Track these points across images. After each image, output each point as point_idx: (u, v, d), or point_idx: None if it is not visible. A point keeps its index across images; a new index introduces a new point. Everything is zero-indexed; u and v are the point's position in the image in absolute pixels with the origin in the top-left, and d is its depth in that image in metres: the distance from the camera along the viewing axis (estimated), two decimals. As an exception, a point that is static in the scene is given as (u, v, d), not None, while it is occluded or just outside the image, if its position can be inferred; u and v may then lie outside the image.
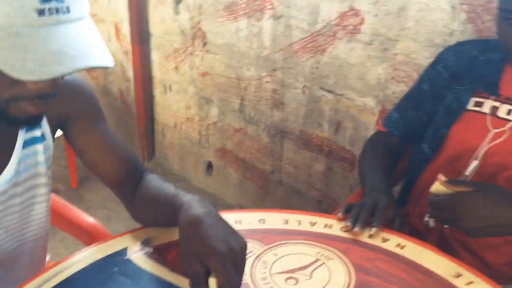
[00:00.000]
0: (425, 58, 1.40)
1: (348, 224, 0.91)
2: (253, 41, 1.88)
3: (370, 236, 0.89)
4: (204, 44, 2.08)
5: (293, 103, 1.84)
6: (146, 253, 0.84)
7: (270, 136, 1.99)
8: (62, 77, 0.70)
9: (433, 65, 1.17)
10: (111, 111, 2.84)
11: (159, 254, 0.84)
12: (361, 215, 0.92)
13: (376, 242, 0.88)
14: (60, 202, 1.18)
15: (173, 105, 2.40)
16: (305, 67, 1.74)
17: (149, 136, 2.62)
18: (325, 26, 1.61)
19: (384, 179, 1.09)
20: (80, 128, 0.89)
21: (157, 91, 2.47)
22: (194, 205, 0.74)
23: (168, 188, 0.86)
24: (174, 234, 0.89)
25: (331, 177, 1.81)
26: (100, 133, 0.90)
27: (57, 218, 1.14)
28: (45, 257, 1.01)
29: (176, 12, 2.16)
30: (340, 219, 0.94)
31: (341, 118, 1.69)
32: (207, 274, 0.68)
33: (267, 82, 1.90)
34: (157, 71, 2.42)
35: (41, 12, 0.59)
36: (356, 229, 0.89)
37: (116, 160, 0.90)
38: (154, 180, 0.91)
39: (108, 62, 0.65)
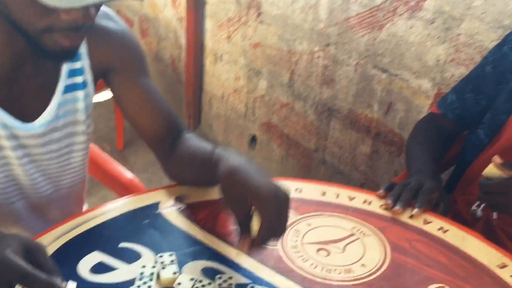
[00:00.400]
0: (490, 40, 1.30)
1: (389, 202, 0.86)
2: (308, 13, 1.82)
3: (411, 217, 0.84)
4: (259, 14, 2.05)
5: (343, 81, 1.78)
6: (178, 209, 0.83)
7: (317, 113, 1.94)
8: (96, 9, 0.68)
9: (499, 46, 1.09)
10: (162, 77, 2.86)
11: (191, 211, 0.83)
12: (403, 194, 0.87)
13: (417, 223, 0.83)
14: (102, 154, 1.19)
15: (223, 75, 2.39)
16: (360, 44, 1.67)
17: (196, 105, 2.62)
18: (386, 1, 1.54)
19: (433, 162, 1.03)
20: (123, 80, 0.88)
21: (208, 60, 2.46)
22: (232, 156, 0.73)
23: (206, 145, 0.84)
24: (206, 193, 0.87)
25: (376, 160, 1.75)
26: (143, 87, 0.89)
27: (98, 170, 1.16)
28: (81, 206, 1.03)
29: (233, -20, 2.12)
30: (380, 196, 0.89)
31: (393, 99, 1.62)
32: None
33: (319, 57, 1.84)
34: (209, 40, 2.40)
35: None
36: (397, 207, 0.85)
37: (156, 115, 0.89)
38: (192, 139, 0.89)
39: None
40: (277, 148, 2.20)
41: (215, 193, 0.88)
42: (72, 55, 0.71)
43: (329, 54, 1.79)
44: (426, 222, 0.83)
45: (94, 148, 1.18)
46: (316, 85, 1.90)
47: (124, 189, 1.10)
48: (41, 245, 0.62)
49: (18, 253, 0.58)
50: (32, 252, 0.60)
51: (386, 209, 0.86)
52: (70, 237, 0.75)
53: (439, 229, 0.82)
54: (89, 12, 0.66)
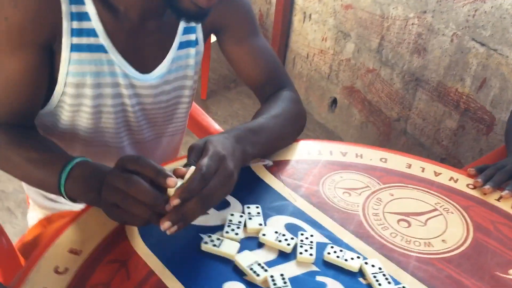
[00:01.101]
0: None
1: (479, 180, 0.85)
2: (407, -22, 1.75)
3: (500, 199, 0.83)
4: (354, -25, 1.99)
5: (437, 51, 1.71)
6: (265, 165, 0.87)
7: (404, 82, 1.89)
8: None
9: None
10: (248, 32, 2.88)
11: (277, 168, 0.87)
12: (496, 175, 0.85)
13: (504, 206, 0.82)
14: (196, 106, 1.25)
15: (310, 35, 2.37)
16: (460, 13, 1.59)
17: (279, 63, 2.63)
18: (495, -31, 1.45)
19: None
20: (232, 38, 0.92)
21: (296, 19, 2.44)
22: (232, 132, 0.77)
23: (264, 109, 0.88)
24: (292, 153, 0.90)
25: (461, 136, 1.70)
26: (250, 46, 0.93)
27: (190, 120, 1.22)
28: (177, 152, 1.09)
29: None
30: (471, 174, 0.88)
31: (488, 75, 1.55)
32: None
33: (413, 24, 1.78)
34: (300, -2, 2.38)
35: None
36: (487, 186, 0.83)
37: (259, 71, 0.94)
38: (273, 98, 0.92)
39: None
40: (358, 114, 2.18)
41: (300, 154, 0.91)
42: (205, 16, 0.75)
43: (425, 22, 1.73)
44: (514, 207, 0.82)
45: (196, 107, 1.25)
46: (406, 53, 1.84)
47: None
48: (138, 156, 0.65)
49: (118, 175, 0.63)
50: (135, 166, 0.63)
51: (474, 187, 0.85)
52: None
53: (527, 215, 0.80)
54: None
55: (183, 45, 0.87)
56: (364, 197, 0.82)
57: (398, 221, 0.78)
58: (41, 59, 0.76)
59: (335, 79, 2.28)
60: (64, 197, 0.71)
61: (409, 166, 0.90)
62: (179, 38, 0.86)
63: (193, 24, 0.86)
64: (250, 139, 0.78)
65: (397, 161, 0.91)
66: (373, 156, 0.92)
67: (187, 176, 0.64)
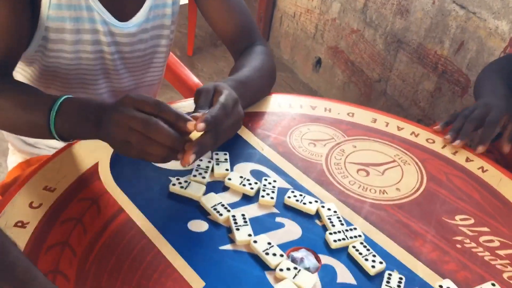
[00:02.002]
0: None
1: (448, 136, 0.89)
2: None
3: (455, 153, 0.88)
4: None
5: (419, 13, 1.73)
6: (236, 115, 0.91)
7: (386, 43, 1.91)
8: None
9: None
10: (237, -11, 2.85)
11: (248, 119, 0.90)
12: (465, 126, 0.89)
13: (459, 159, 0.87)
14: (174, 58, 1.28)
15: (297, -7, 2.36)
16: (443, -24, 1.60)
17: (267, 21, 2.63)
18: None
19: (505, 87, 0.99)
20: None
21: (284, -24, 2.43)
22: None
23: (244, 62, 0.91)
24: (262, 106, 0.94)
25: (438, 98, 1.74)
26: (224, 0, 0.95)
27: (169, 72, 1.24)
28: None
29: None
30: (438, 132, 0.92)
31: (466, 38, 1.58)
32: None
33: (398, -15, 1.79)
34: (288, -45, 2.36)
35: None
36: (457, 142, 0.88)
37: (232, 24, 0.96)
38: (249, 52, 0.95)
39: None
40: (341, 74, 2.21)
41: (271, 106, 0.95)
42: None
43: (409, -17, 1.74)
44: (468, 160, 0.87)
45: (172, 57, 1.27)
46: (389, 14, 1.86)
47: (190, 92, 1.19)
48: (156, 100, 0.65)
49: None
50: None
51: (445, 146, 0.89)
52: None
53: (479, 168, 0.85)
54: None
55: None
56: (328, 148, 0.87)
57: (358, 170, 0.83)
58: (24, 3, 0.77)
59: (320, 38, 2.29)
60: (55, 138, 0.71)
61: (374, 120, 0.95)
62: None
63: None
64: (241, 92, 0.80)
65: (363, 116, 0.95)
66: (341, 110, 0.96)
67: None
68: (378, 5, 1.90)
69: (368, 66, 2.04)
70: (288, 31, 2.52)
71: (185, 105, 0.91)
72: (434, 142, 0.91)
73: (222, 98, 0.69)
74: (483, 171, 0.85)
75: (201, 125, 0.63)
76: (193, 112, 0.69)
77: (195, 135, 0.66)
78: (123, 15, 0.87)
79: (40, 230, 0.65)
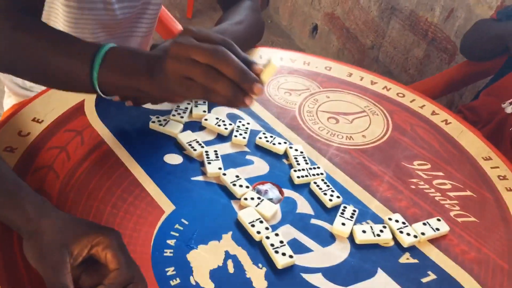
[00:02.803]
0: None
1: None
2: None
3: (422, 107, 0.93)
4: None
5: (412, -20, 1.76)
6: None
7: (380, 10, 1.94)
8: None
9: None
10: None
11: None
12: None
13: (425, 112, 0.92)
14: (170, 17, 1.32)
15: (297, -42, 2.38)
16: None
17: (267, -14, 2.65)
18: None
19: None
20: None
21: None
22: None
23: (226, 16, 0.92)
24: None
25: (426, 65, 1.78)
26: None
27: (165, 30, 1.29)
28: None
29: None
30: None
31: (456, 5, 1.61)
32: None
33: (393, -49, 1.81)
34: None
35: None
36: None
37: None
38: (234, 7, 0.96)
39: None
40: (336, 40, 2.24)
41: (256, 58, 1.00)
42: None
43: (404, -51, 1.76)
44: (434, 113, 0.92)
45: (165, 11, 1.31)
46: (384, -19, 1.88)
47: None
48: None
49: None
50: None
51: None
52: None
53: (443, 120, 0.91)
54: None
55: None
56: (303, 97, 0.92)
57: (328, 118, 0.88)
58: None
59: (317, 5, 2.31)
60: (97, 92, 0.65)
61: (350, 75, 1.00)
62: None
63: None
64: None
65: (340, 70, 1.00)
66: (319, 64, 1.01)
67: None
68: (374, -29, 1.92)
69: (362, 33, 2.07)
70: (287, -3, 2.54)
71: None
72: (404, 96, 0.96)
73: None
74: (446, 124, 0.90)
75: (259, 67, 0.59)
76: None
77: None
78: None
79: (27, 155, 0.71)
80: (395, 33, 1.89)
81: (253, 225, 0.66)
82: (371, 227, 0.68)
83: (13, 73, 0.76)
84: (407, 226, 0.69)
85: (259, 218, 0.67)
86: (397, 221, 0.69)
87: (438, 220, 0.71)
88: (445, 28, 1.66)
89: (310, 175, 0.75)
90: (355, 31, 2.11)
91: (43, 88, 1.01)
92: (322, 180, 0.74)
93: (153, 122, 0.80)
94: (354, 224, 0.68)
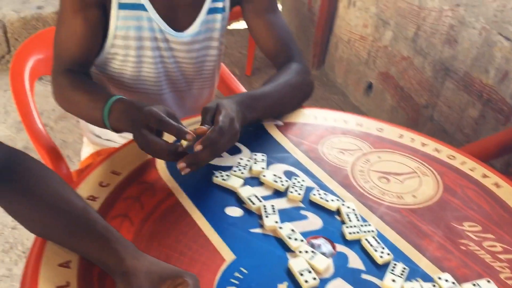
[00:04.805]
0: None
1: None
2: (445, -29, 1.84)
3: (473, 169, 0.96)
4: (397, -35, 2.09)
5: (466, 43, 1.80)
6: (276, 124, 1.04)
7: (434, 71, 1.99)
8: None
9: None
10: (296, 15, 3.02)
11: (285, 128, 1.03)
12: None
13: (475, 175, 0.95)
14: (230, 75, 1.43)
15: (353, 21, 2.48)
16: (489, 8, 1.67)
17: (323, 46, 2.76)
18: (524, -32, 1.52)
19: None
20: (252, 10, 1.10)
21: (341, 5, 2.56)
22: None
23: (272, 78, 1.05)
24: (299, 117, 1.07)
25: (482, 125, 1.79)
26: (267, 20, 1.10)
27: (225, 86, 1.40)
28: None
29: None
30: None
31: (510, 68, 1.63)
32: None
33: (447, 16, 1.87)
34: (346, -15, 2.49)
35: None
36: None
37: (273, 42, 1.11)
38: (283, 68, 1.08)
39: None
40: (390, 98, 2.30)
41: (308, 118, 1.07)
42: None
43: (458, 14, 1.82)
44: (485, 176, 0.95)
45: (225, 69, 1.42)
46: (438, 43, 1.94)
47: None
48: (174, 113, 0.84)
49: (159, 110, 0.82)
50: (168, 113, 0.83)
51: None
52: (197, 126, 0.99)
53: (494, 183, 0.93)
54: None
55: (211, 10, 1.05)
56: (355, 157, 0.97)
57: (379, 178, 0.93)
58: (97, 15, 0.96)
59: (372, 64, 2.39)
60: (109, 129, 0.90)
61: (401, 136, 1.05)
62: (208, 4, 1.04)
63: None
64: (250, 105, 0.94)
65: (391, 131, 1.06)
66: (371, 125, 1.07)
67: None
68: (428, 34, 1.98)
69: (416, 92, 2.11)
70: (342, 56, 2.63)
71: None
72: (454, 158, 0.99)
73: (220, 121, 0.82)
74: (497, 187, 0.92)
75: (199, 147, 0.79)
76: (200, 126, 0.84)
77: (184, 142, 0.82)
78: (179, 26, 1.04)
79: (106, 203, 0.81)
80: (449, 93, 1.92)
81: (301, 274, 0.71)
82: (421, 285, 0.71)
83: (70, 112, 1.00)
84: (456, 286, 0.71)
85: (308, 268, 0.71)
86: (446, 280, 0.72)
87: (488, 281, 0.72)
88: (500, 89, 1.68)
89: (362, 232, 0.79)
90: (409, 90, 2.15)
91: (110, 137, 1.14)
92: (373, 237, 0.79)
93: (217, 176, 0.87)
94: (404, 281, 0.72)
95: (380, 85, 2.36)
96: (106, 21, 0.98)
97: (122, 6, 0.97)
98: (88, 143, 1.21)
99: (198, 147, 0.79)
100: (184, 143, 0.82)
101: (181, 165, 0.80)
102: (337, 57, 2.69)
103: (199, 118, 0.88)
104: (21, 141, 2.07)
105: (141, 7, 0.98)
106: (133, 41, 1.00)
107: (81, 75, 0.98)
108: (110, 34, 0.99)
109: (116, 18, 0.98)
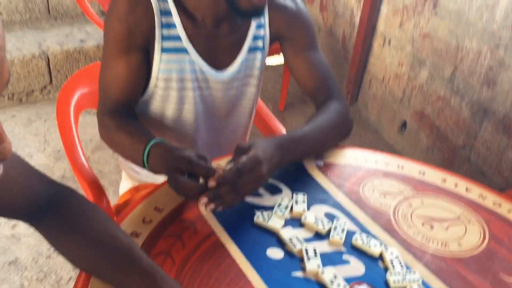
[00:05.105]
0: None
1: None
2: (484, 13, 1.84)
3: None
4: (435, 6, 2.10)
5: (505, 85, 1.78)
6: (317, 165, 1.04)
7: (471, 112, 1.96)
8: None
9: None
10: (330, 51, 3.04)
11: (326, 168, 1.03)
12: None
13: (523, 224, 0.92)
14: (267, 110, 1.44)
15: (387, 59, 2.49)
16: (531, 51, 1.65)
17: (356, 83, 2.77)
18: None
19: None
20: (292, 49, 1.11)
21: (376, 43, 2.57)
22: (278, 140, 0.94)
23: (312, 118, 1.04)
24: (340, 157, 1.06)
25: (522, 169, 1.75)
26: (307, 58, 1.10)
27: (261, 121, 1.41)
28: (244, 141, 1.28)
29: (417, -31, 2.19)
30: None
31: (553, 112, 1.60)
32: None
33: (485, 57, 1.86)
34: (381, 23, 2.51)
35: None
36: None
37: (313, 80, 1.11)
38: (322, 108, 1.08)
39: None
40: (425, 138, 2.27)
41: (348, 159, 1.06)
42: (260, 12, 0.94)
43: (497, 56, 1.80)
44: (533, 226, 0.92)
45: (262, 104, 1.44)
46: (476, 84, 1.92)
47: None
48: (204, 155, 0.87)
49: (191, 152, 0.86)
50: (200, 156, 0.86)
51: None
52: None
53: (543, 234, 0.90)
54: None
55: (252, 49, 1.07)
56: (398, 200, 0.96)
57: (423, 223, 0.91)
58: (140, 59, 0.98)
59: (407, 103, 2.38)
60: (148, 170, 0.92)
61: (444, 180, 1.03)
62: (248, 43, 1.06)
63: (257, 20, 1.06)
64: (290, 148, 0.94)
65: (434, 175, 1.04)
66: (413, 168, 1.06)
67: None
68: (465, 74, 1.97)
69: (453, 133, 2.08)
70: (376, 94, 2.63)
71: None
72: (500, 205, 0.96)
73: (241, 162, 0.84)
74: (546, 237, 0.89)
75: (212, 183, 0.82)
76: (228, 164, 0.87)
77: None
78: (219, 65, 1.05)
79: (149, 240, 0.81)
80: (487, 134, 1.89)
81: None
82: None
83: (114, 151, 1.02)
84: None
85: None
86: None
87: None
88: (542, 133, 1.65)
89: (406, 280, 0.77)
90: (445, 130, 2.13)
91: (156, 176, 1.15)
92: (418, 286, 0.77)
93: (258, 217, 0.87)
94: (451, 334, 0.69)
95: (415, 124, 2.34)
96: (149, 64, 1.01)
97: (165, 50, 0.99)
98: (127, 177, 1.23)
99: (211, 183, 0.82)
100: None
101: (203, 200, 0.82)
102: (370, 94, 2.68)
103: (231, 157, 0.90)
104: (59, 170, 2.11)
105: (183, 50, 1.00)
106: (175, 83, 1.02)
107: (125, 116, 1.00)
108: (152, 77, 1.02)
109: (159, 62, 1.00)
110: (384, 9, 2.47)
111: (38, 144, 2.29)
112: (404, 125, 2.43)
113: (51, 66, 2.63)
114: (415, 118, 2.33)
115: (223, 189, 0.82)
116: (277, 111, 2.75)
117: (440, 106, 2.14)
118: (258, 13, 0.95)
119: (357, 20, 2.67)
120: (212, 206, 0.83)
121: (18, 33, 2.74)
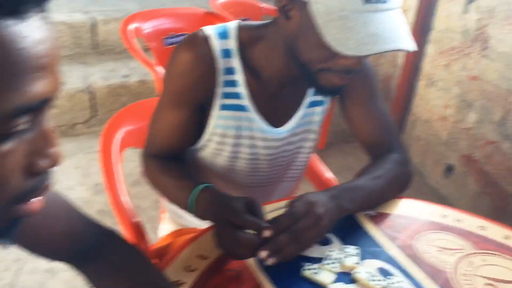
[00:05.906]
0: None
1: None
2: (538, 56, 1.77)
3: None
4: (484, 48, 2.04)
5: None
6: (368, 215, 0.98)
7: (525, 158, 1.87)
8: (367, 56, 0.81)
9: None
10: (372, 91, 3.00)
11: (379, 219, 0.97)
12: None
13: None
14: (315, 155, 1.40)
15: (432, 100, 2.43)
16: None
17: (399, 124, 2.70)
18: None
19: None
20: (352, 100, 1.03)
21: (421, 83, 2.52)
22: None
23: (369, 168, 0.98)
24: (393, 208, 1.00)
25: None
26: (367, 109, 1.03)
27: (310, 171, 1.36)
28: (293, 193, 1.24)
29: (465, 11, 2.14)
30: None
31: None
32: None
33: (541, 102, 1.77)
34: (427, 64, 2.46)
35: (367, 1, 0.74)
36: None
37: (372, 132, 1.03)
38: (381, 159, 1.01)
39: (411, 46, 0.78)
40: (473, 183, 2.17)
41: (402, 210, 1.00)
42: (339, 91, 0.90)
43: (553, 101, 1.72)
44: None
45: (315, 157, 1.39)
46: (530, 130, 1.83)
47: (322, 185, 1.29)
48: (257, 201, 0.83)
49: (240, 204, 0.81)
50: (251, 205, 0.82)
51: None
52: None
53: None
54: (361, 60, 0.81)
55: (312, 104, 1.02)
56: (457, 257, 0.89)
57: (485, 284, 0.84)
58: (192, 116, 0.95)
59: (453, 146, 2.29)
60: (194, 216, 0.88)
61: (507, 237, 0.95)
62: (309, 98, 1.01)
63: (331, 97, 1.02)
64: (347, 197, 0.88)
65: (495, 231, 0.96)
66: (472, 222, 0.99)
67: None
68: (518, 119, 1.89)
69: (504, 179, 1.98)
70: (420, 136, 2.55)
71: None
72: None
73: (293, 205, 0.80)
74: None
75: (267, 233, 0.77)
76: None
77: None
78: (278, 122, 1.00)
79: (193, 291, 0.77)
80: (543, 183, 1.79)
81: None
82: None
83: (158, 193, 1.00)
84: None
85: None
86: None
87: None
88: None
89: None
90: (496, 176, 2.03)
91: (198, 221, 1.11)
92: None
93: (306, 269, 0.82)
94: None
95: (462, 168, 2.24)
96: (204, 119, 0.97)
97: (224, 107, 0.95)
98: (169, 220, 1.20)
99: (266, 233, 0.77)
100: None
101: (262, 253, 0.76)
102: (414, 136, 2.61)
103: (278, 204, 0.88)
104: (97, 203, 2.12)
105: (243, 108, 0.96)
106: (231, 139, 0.99)
107: (171, 160, 0.97)
108: (208, 131, 0.98)
109: (217, 118, 0.96)
110: (430, 49, 2.42)
111: (78, 177, 2.31)
112: (449, 169, 2.34)
113: (94, 101, 2.68)
114: (462, 162, 2.24)
115: (281, 239, 0.77)
116: (317, 150, 2.70)
117: (489, 150, 2.05)
118: (338, 92, 0.91)
119: (400, 60, 2.63)
120: (274, 260, 0.77)
121: (65, 67, 2.83)
